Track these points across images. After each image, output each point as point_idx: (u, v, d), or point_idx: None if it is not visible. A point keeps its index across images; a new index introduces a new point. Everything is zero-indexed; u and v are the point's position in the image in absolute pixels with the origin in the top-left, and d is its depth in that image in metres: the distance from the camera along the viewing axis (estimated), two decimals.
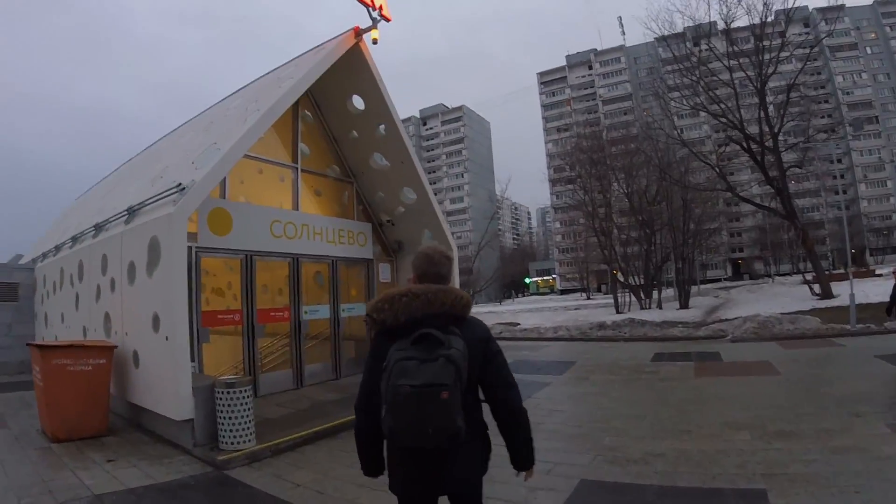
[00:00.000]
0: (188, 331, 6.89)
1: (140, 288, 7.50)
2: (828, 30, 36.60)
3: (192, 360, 8.06)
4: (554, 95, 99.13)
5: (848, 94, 77.26)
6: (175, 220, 6.79)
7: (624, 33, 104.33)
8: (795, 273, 56.71)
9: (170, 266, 6.79)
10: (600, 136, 39.29)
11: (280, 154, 11.03)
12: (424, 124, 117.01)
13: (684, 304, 31.02)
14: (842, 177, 64.80)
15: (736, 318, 18.46)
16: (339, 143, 12.19)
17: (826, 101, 64.54)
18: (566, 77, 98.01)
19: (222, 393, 6.47)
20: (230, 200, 9.57)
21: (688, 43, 29.47)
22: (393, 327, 2.23)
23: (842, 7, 24.63)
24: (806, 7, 28.54)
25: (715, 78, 28.05)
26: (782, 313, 18.03)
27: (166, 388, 6.85)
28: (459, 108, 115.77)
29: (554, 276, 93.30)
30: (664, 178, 32.14)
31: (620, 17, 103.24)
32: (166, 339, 6.74)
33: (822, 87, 73.66)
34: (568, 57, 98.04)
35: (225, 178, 9.38)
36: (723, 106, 27.36)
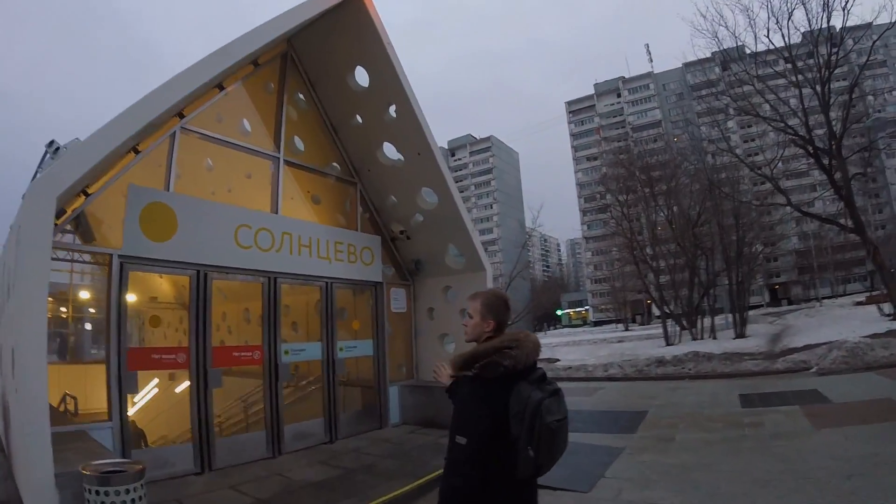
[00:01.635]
0: (44, 377, 4.15)
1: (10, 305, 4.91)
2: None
3: (109, 419, 5.76)
4: (583, 124, 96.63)
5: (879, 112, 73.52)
6: (29, 205, 4.17)
7: (651, 60, 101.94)
8: (841, 296, 55.36)
9: (22, 277, 4.15)
10: (637, 160, 36.72)
11: (258, 141, 8.43)
12: (453, 155, 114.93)
13: (741, 333, 27.31)
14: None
15: (819, 346, 15.77)
16: (338, 132, 9.56)
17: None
18: (594, 105, 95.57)
19: (93, 494, 3.68)
20: (176, 193, 6.91)
21: (745, 49, 26.91)
22: (513, 371, 2.28)
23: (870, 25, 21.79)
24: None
25: (774, 81, 25.17)
26: (863, 337, 15.46)
27: (19, 469, 4.38)
28: (488, 139, 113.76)
29: (586, 307, 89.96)
30: (711, 194, 29.10)
31: (648, 45, 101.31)
32: (16, 390, 4.17)
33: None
34: (596, 85, 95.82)
35: (170, 164, 6.85)
36: (783, 110, 24.37)
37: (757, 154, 34.90)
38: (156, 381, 7.62)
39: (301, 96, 9.20)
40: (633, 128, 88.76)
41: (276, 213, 8.24)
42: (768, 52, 24.64)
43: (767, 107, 24.90)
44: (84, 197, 5.95)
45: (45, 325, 4.19)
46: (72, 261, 6.13)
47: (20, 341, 4.09)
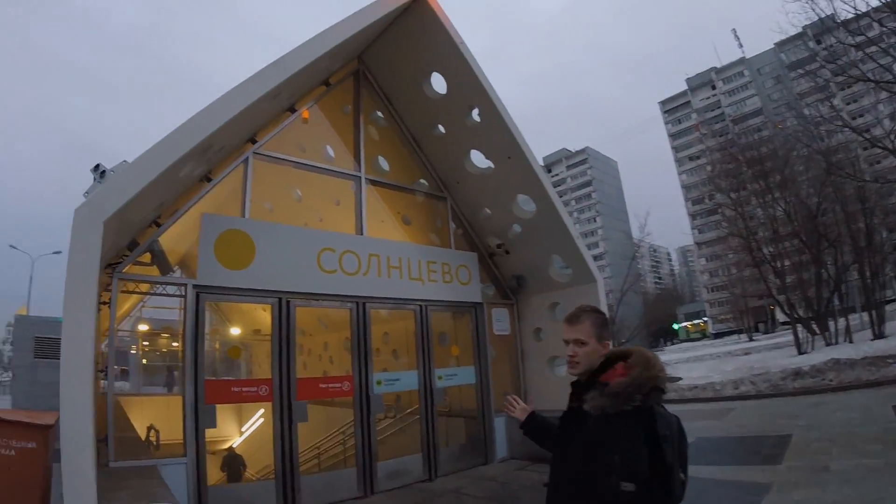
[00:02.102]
0: (90, 416, 3.85)
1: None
2: None
3: (184, 455, 5.50)
4: (680, 123, 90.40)
5: None
6: (75, 231, 3.96)
7: (741, 45, 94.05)
8: None
9: (67, 307, 3.89)
10: (743, 152, 33.66)
11: (337, 161, 8.09)
12: (549, 171, 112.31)
13: (879, 333, 22.92)
14: None
15: None
16: (422, 146, 9.05)
17: None
18: (689, 101, 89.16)
19: None
20: (253, 219, 6.69)
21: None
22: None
23: None
24: None
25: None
26: None
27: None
28: (583, 151, 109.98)
29: (704, 318, 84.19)
30: (830, 178, 25.61)
31: (735, 30, 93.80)
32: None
33: None
34: (688, 80, 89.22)
35: (245, 190, 6.67)
36: None
37: (871, 128, 30.89)
38: (237, 414, 7.34)
39: (379, 114, 8.84)
40: (733, 119, 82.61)
41: (362, 234, 7.80)
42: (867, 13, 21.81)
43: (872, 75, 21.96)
44: (156, 227, 5.86)
45: (90, 356, 3.92)
46: (146, 293, 5.93)
47: (65, 373, 3.79)
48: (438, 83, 8.08)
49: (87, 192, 4.39)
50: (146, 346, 10.51)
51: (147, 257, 5.84)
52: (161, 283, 6.09)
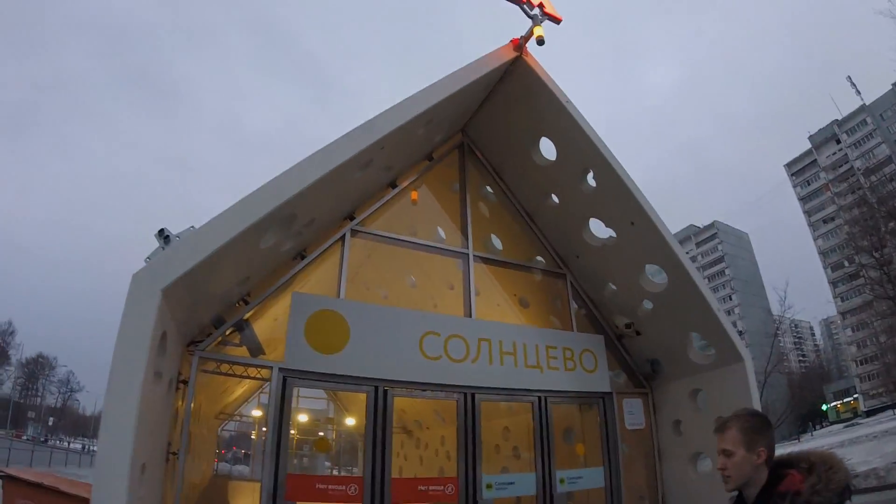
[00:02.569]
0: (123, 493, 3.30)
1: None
2: None
3: None
4: (809, 185, 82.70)
5: None
6: (130, 297, 3.73)
7: (859, 92, 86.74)
8: None
9: (112, 379, 3.54)
10: (880, 207, 30.52)
11: (446, 239, 7.54)
12: None
13: None
14: None
15: None
16: (535, 219, 8.33)
17: None
18: (816, 160, 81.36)
19: None
20: (348, 300, 6.26)
21: None
22: None
23: None
24: None
25: None
26: None
27: None
28: (712, 226, 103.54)
29: (855, 395, 74.43)
30: None
31: (850, 77, 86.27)
32: None
33: None
34: (811, 137, 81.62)
35: (342, 269, 6.37)
36: None
37: None
38: None
39: (489, 188, 8.35)
40: (863, 172, 75.52)
41: (470, 316, 7.02)
42: None
43: None
44: (244, 305, 5.65)
45: (131, 427, 3.44)
46: (228, 374, 5.54)
47: (101, 445, 3.42)
48: (548, 149, 7.45)
49: (148, 258, 4.00)
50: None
51: (236, 338, 5.59)
52: (244, 365, 5.70)
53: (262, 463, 5.18)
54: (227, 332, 5.51)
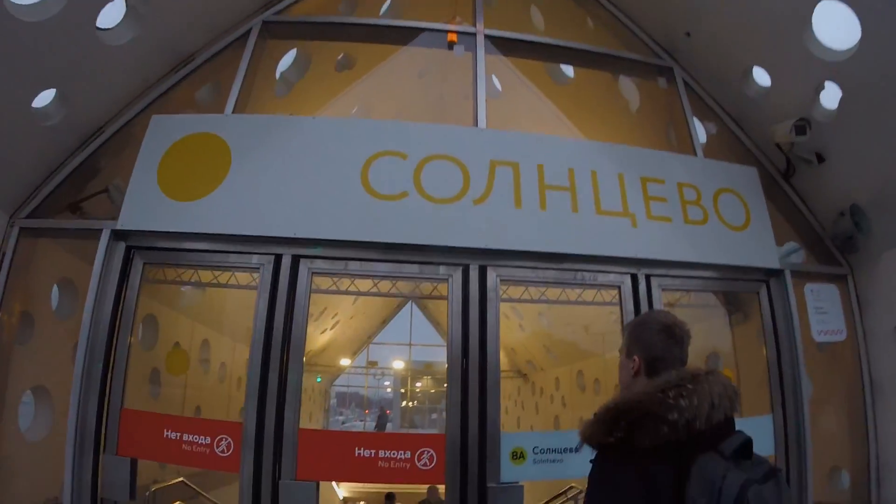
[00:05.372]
0: None
1: None
2: None
3: None
4: None
5: None
6: None
7: None
8: None
9: None
10: None
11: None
12: None
13: None
14: None
15: None
16: None
17: None
18: None
19: None
20: (236, 115, 3.82)
21: None
22: (689, 436, 1.27)
23: None
24: None
25: None
26: None
27: None
28: None
29: None
30: None
31: None
32: None
33: None
34: None
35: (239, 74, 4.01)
36: None
37: None
38: None
39: None
40: None
41: (476, 124, 3.55)
42: None
43: None
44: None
45: None
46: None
47: None
48: None
49: None
50: None
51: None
52: (73, 235, 3.59)
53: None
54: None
